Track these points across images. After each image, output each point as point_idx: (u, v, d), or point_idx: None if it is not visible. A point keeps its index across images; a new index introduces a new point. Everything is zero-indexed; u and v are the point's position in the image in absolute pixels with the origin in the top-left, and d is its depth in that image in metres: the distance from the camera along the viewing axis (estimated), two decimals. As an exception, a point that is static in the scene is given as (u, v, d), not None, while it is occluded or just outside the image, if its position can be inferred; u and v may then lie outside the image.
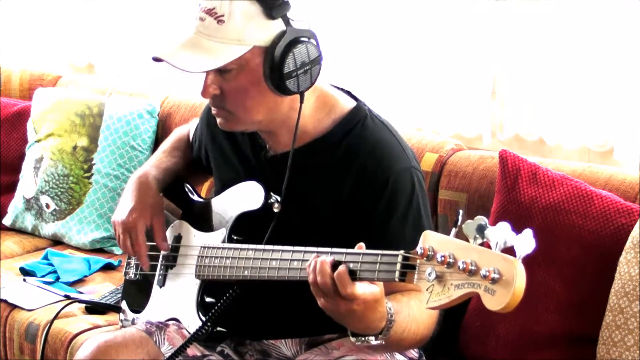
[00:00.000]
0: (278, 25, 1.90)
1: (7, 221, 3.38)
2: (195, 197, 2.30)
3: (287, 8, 1.91)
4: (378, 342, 1.75)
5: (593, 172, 2.44)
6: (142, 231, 2.15)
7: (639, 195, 2.33)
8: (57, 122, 3.32)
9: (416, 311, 1.83)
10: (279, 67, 1.90)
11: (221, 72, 1.93)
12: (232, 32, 1.89)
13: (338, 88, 2.11)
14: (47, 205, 3.27)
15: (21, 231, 3.37)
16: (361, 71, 3.14)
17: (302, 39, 1.91)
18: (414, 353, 2.09)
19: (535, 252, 2.21)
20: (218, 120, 2.03)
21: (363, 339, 1.74)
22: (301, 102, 1.96)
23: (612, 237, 2.24)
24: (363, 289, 1.68)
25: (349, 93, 2.10)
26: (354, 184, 1.96)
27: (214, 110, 2.02)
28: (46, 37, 3.93)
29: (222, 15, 1.89)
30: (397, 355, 2.04)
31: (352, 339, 1.76)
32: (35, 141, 3.36)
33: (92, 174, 3.23)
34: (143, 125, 3.23)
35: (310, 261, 1.72)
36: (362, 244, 1.72)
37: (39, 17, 3.94)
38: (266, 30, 1.90)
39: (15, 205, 3.36)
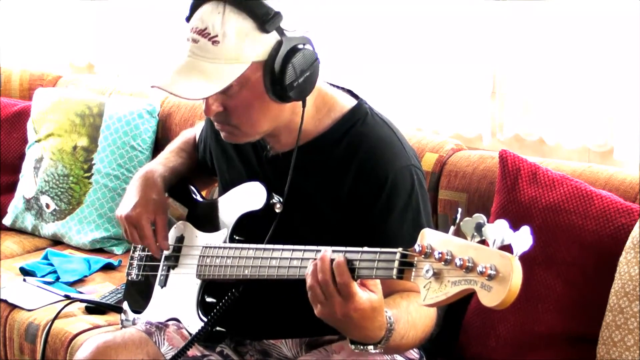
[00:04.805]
0: (273, 38, 1.89)
1: (7, 221, 3.38)
2: (199, 198, 2.30)
3: (280, 19, 1.89)
4: (376, 351, 1.76)
5: (593, 172, 2.44)
6: (148, 225, 2.15)
7: (639, 195, 2.33)
8: (57, 122, 3.32)
9: (415, 316, 1.84)
10: (280, 80, 1.89)
11: (223, 90, 1.91)
12: (229, 52, 1.87)
13: (339, 87, 2.11)
14: (47, 205, 3.27)
15: (21, 231, 3.37)
16: (361, 71, 3.13)
17: (299, 46, 1.91)
18: (414, 353, 2.09)
19: (535, 252, 2.21)
20: (222, 134, 2.01)
21: (362, 347, 1.76)
22: (304, 106, 1.96)
23: (612, 237, 2.24)
24: (361, 292, 1.68)
25: (350, 92, 2.10)
26: (354, 181, 1.97)
27: (217, 126, 2.00)
28: (46, 37, 3.93)
29: (216, 36, 1.87)
30: (397, 357, 2.04)
31: (352, 347, 1.77)
32: (35, 141, 3.36)
33: (92, 174, 3.23)
34: (143, 125, 3.23)
35: (309, 266, 1.72)
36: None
37: (39, 17, 3.93)
38: (262, 45, 1.88)
39: (15, 205, 3.36)
